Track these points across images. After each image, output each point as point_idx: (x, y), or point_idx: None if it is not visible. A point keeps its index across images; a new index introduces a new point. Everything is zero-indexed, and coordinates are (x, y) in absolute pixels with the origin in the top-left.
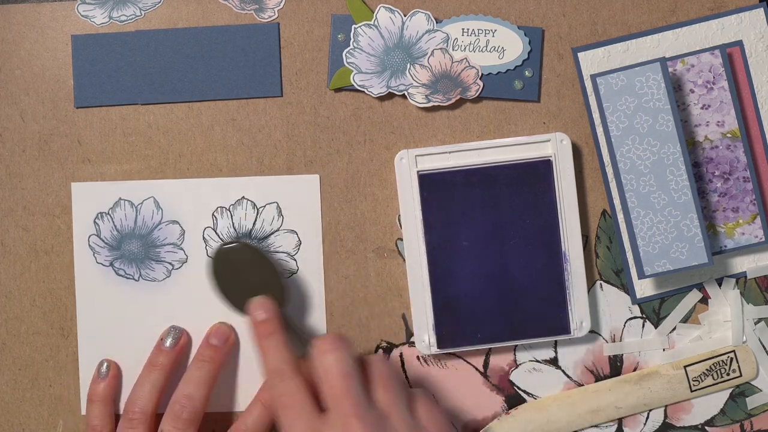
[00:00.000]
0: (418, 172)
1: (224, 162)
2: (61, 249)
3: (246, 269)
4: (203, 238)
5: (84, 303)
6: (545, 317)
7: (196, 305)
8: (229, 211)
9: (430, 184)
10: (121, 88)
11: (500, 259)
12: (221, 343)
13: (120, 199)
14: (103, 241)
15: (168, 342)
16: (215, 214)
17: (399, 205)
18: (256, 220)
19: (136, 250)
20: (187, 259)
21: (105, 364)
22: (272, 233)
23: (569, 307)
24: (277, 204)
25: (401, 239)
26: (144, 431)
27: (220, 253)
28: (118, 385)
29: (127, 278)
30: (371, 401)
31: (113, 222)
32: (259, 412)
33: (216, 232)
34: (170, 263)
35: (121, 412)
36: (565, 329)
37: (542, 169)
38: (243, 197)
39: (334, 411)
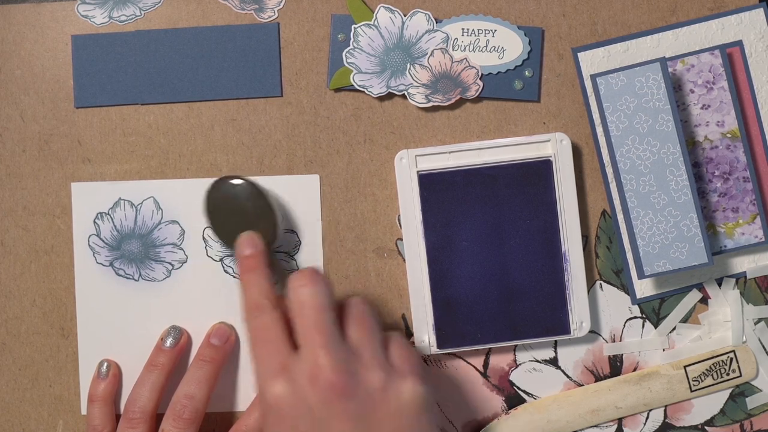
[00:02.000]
0: (418, 172)
1: (224, 162)
2: (61, 249)
3: (241, 204)
4: (203, 238)
5: (84, 303)
6: (545, 317)
7: (196, 305)
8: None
9: (430, 184)
10: (121, 88)
11: (500, 259)
12: (222, 342)
13: (120, 199)
14: (103, 241)
15: (168, 342)
16: None
17: (399, 205)
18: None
19: (136, 250)
20: (186, 259)
21: (105, 365)
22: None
23: (569, 308)
24: (279, 200)
25: (401, 239)
26: (144, 431)
27: (217, 187)
28: (118, 384)
29: (127, 278)
30: (344, 337)
31: (113, 222)
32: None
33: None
34: (170, 263)
35: (122, 411)
36: (565, 329)
37: (542, 169)
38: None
39: (304, 344)
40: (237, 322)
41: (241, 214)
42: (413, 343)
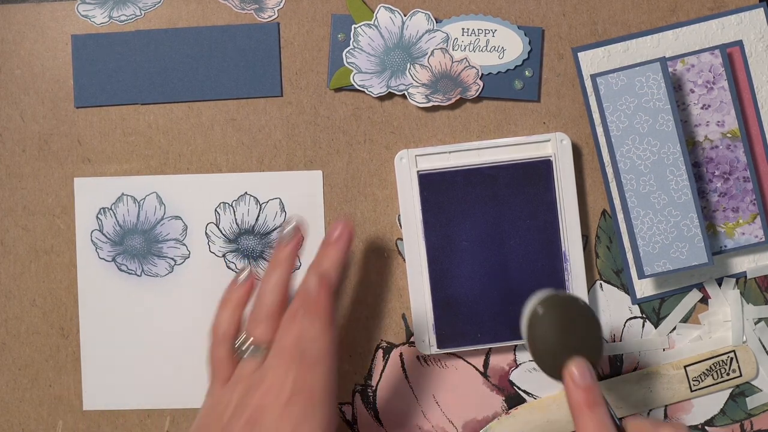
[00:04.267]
0: (418, 171)
1: (224, 162)
2: (61, 249)
3: (569, 324)
4: (206, 233)
5: (86, 298)
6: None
7: (199, 300)
8: (232, 207)
9: (430, 183)
10: (121, 88)
11: (500, 258)
12: (343, 234)
13: (123, 194)
14: (105, 236)
15: (287, 238)
16: (218, 209)
17: (399, 205)
18: (258, 215)
19: (139, 245)
20: (189, 254)
21: (245, 273)
22: (275, 229)
23: None
24: (280, 200)
25: (401, 239)
26: (270, 327)
27: (548, 305)
28: (252, 293)
29: (130, 273)
30: None
31: (116, 217)
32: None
33: (218, 228)
34: (172, 259)
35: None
36: None
37: (542, 168)
38: (246, 193)
39: None
40: None
41: (566, 335)
42: (413, 342)
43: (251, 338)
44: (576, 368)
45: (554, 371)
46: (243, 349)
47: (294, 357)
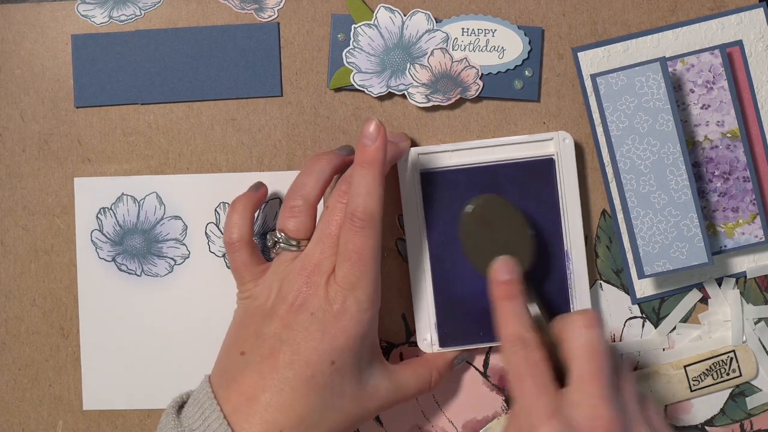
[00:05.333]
0: (420, 170)
1: (224, 162)
2: (61, 249)
3: (496, 225)
4: (206, 233)
5: (86, 298)
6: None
7: (198, 301)
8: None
9: (433, 182)
10: (121, 88)
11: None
12: (372, 141)
13: (123, 194)
14: (105, 236)
15: (339, 149)
16: (218, 209)
17: (402, 204)
18: (258, 215)
19: (139, 245)
20: (189, 254)
21: (258, 183)
22: (275, 229)
23: (571, 307)
24: (280, 200)
25: (401, 239)
26: (307, 220)
27: (478, 205)
28: (263, 201)
29: (130, 273)
30: (619, 391)
31: (116, 217)
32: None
33: (218, 228)
34: (172, 258)
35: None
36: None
37: (545, 168)
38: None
39: (581, 390)
40: None
41: (498, 236)
42: (413, 342)
43: (283, 233)
44: (499, 265)
45: (483, 268)
46: (278, 242)
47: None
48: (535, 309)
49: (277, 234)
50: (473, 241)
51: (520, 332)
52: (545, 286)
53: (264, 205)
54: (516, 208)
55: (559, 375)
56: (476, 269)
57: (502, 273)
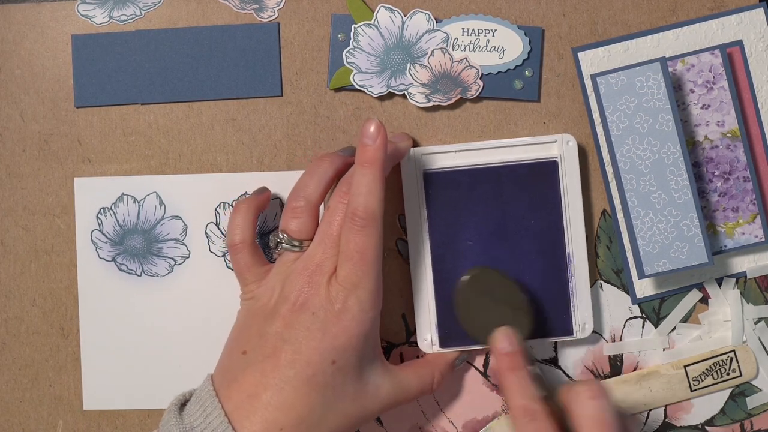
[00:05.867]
0: (423, 170)
1: (224, 162)
2: (62, 249)
3: (492, 296)
4: (206, 233)
5: (86, 298)
6: (548, 318)
7: (198, 301)
8: (232, 207)
9: (436, 182)
10: (121, 88)
11: (504, 258)
12: (373, 141)
13: (123, 194)
14: (105, 236)
15: (341, 151)
16: (218, 209)
17: (404, 203)
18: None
19: (139, 245)
20: (189, 254)
21: (262, 191)
22: (275, 228)
23: (572, 309)
24: (280, 200)
25: (401, 239)
26: (308, 222)
27: (469, 278)
28: (266, 205)
29: (130, 273)
30: None
31: (116, 217)
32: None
33: (219, 228)
34: (173, 258)
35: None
36: (567, 330)
37: (548, 170)
38: (246, 193)
39: None
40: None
41: (495, 307)
42: (413, 342)
43: (286, 234)
44: (500, 336)
45: (482, 338)
46: (281, 243)
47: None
48: (538, 373)
49: (280, 235)
50: (470, 313)
51: (528, 404)
52: (546, 288)
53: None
54: (510, 278)
55: None
56: (475, 340)
57: (505, 344)
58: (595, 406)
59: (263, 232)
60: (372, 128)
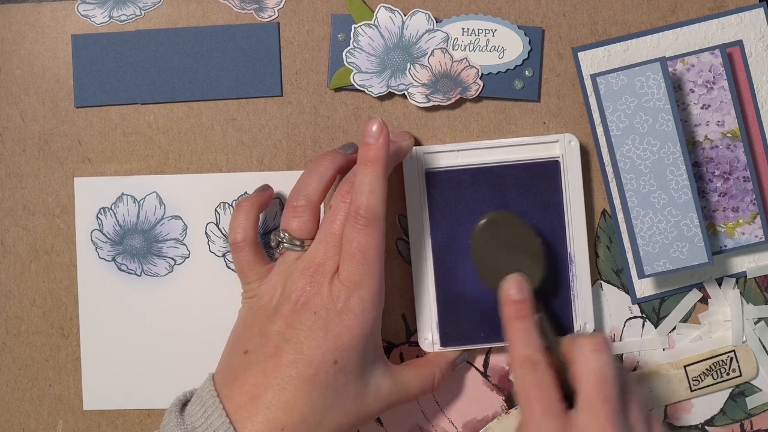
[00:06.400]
0: (425, 169)
1: (224, 161)
2: (62, 249)
3: (507, 241)
4: (206, 233)
5: (86, 298)
6: (549, 317)
7: (198, 301)
8: (232, 207)
9: (438, 182)
10: (121, 88)
11: None
12: (376, 139)
13: (123, 194)
14: (105, 236)
15: (343, 148)
16: (218, 209)
17: (405, 202)
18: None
19: (139, 245)
20: (189, 254)
21: (265, 185)
22: (275, 228)
23: (573, 308)
24: (280, 200)
25: (401, 239)
26: (309, 221)
27: (489, 220)
28: (269, 203)
29: (129, 273)
30: (626, 414)
31: (116, 217)
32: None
33: (219, 228)
34: (172, 258)
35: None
36: (568, 330)
37: (550, 170)
38: (246, 193)
39: (588, 414)
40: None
41: (509, 252)
42: (413, 342)
43: (287, 233)
44: (510, 283)
45: (495, 285)
46: (282, 242)
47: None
48: (544, 322)
49: (281, 234)
50: (484, 257)
51: (530, 354)
52: (547, 287)
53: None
54: (526, 223)
55: (567, 394)
56: (488, 286)
57: (514, 292)
58: (597, 359)
59: (264, 232)
60: (374, 127)
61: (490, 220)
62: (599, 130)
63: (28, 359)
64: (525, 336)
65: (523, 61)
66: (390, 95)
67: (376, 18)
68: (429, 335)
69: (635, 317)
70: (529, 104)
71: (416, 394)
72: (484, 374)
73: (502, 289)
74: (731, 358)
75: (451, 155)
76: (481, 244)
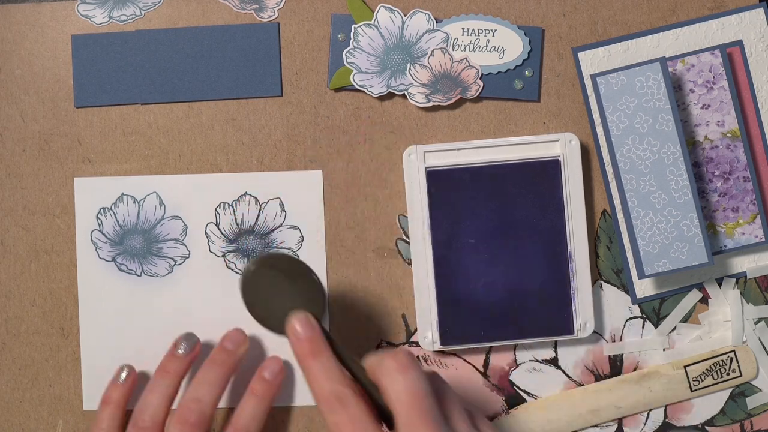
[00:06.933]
0: (426, 168)
1: (224, 161)
2: (61, 249)
3: (281, 282)
4: (206, 233)
5: (86, 298)
6: (549, 317)
7: (198, 301)
8: (232, 207)
9: (438, 180)
10: (121, 88)
11: (506, 257)
12: (235, 347)
13: (123, 194)
14: (105, 236)
15: (182, 348)
16: (218, 209)
17: (406, 201)
18: (258, 215)
19: (139, 245)
20: (189, 254)
21: (125, 372)
22: (275, 229)
23: (573, 308)
24: (280, 200)
25: (401, 239)
26: None
27: (253, 265)
28: (133, 391)
29: (129, 273)
30: (449, 422)
31: (116, 217)
32: (253, 405)
33: (218, 228)
34: (172, 259)
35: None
36: (568, 330)
37: (550, 169)
38: (246, 193)
39: None
40: (238, 318)
41: (286, 292)
42: (413, 342)
43: None
44: (296, 322)
45: (277, 328)
46: None
47: None
48: (343, 351)
49: None
50: (261, 303)
51: (335, 389)
52: (548, 287)
53: (264, 204)
54: (297, 258)
55: (386, 416)
56: (272, 330)
57: (300, 329)
58: (405, 379)
59: (263, 233)
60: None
61: (259, 265)
62: (599, 130)
63: (28, 359)
64: (325, 372)
65: (523, 61)
66: (390, 95)
67: (376, 18)
68: (429, 335)
69: (635, 317)
70: (529, 104)
71: None
72: (484, 374)
73: (288, 329)
74: (731, 359)
75: (451, 154)
76: (255, 292)
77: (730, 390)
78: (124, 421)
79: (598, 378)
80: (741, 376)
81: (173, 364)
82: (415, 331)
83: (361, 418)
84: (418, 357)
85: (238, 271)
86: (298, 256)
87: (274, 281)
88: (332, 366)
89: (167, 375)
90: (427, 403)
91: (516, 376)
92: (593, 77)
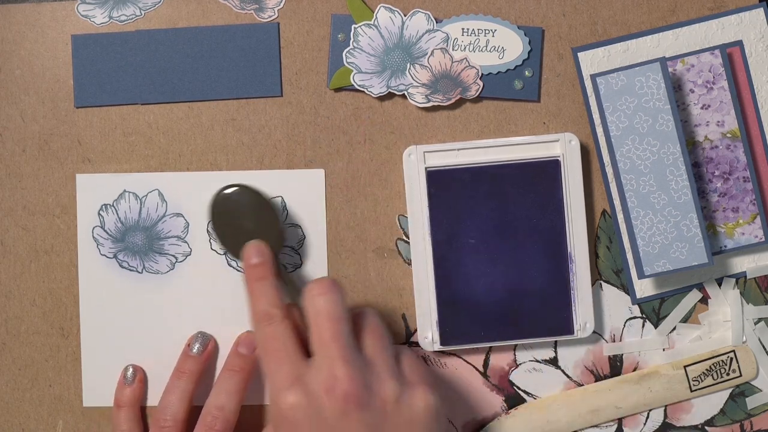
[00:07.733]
0: (426, 168)
1: (224, 162)
2: (62, 249)
3: (245, 213)
4: (207, 231)
5: (87, 295)
6: (549, 317)
7: (200, 298)
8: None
9: (438, 180)
10: (121, 88)
11: (506, 257)
12: (250, 351)
13: (125, 191)
14: (107, 233)
15: (195, 348)
16: None
17: (406, 201)
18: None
19: (140, 242)
20: (191, 251)
21: (131, 370)
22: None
23: (573, 308)
24: (282, 198)
25: (401, 239)
26: None
27: (220, 196)
28: (144, 388)
29: (131, 270)
30: (359, 347)
31: (117, 214)
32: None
33: None
34: (174, 256)
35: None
36: (568, 330)
37: (550, 169)
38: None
39: (320, 354)
40: (239, 317)
41: (246, 224)
42: (413, 342)
43: None
44: (250, 249)
45: (237, 253)
46: None
47: None
48: (292, 282)
49: None
50: (225, 228)
51: (267, 309)
52: (548, 287)
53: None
54: (264, 195)
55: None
56: (230, 255)
57: (254, 256)
58: (323, 301)
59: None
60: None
61: (229, 193)
62: (599, 130)
63: (28, 359)
64: (264, 294)
65: (523, 61)
66: (390, 95)
67: (376, 18)
68: (429, 335)
69: (635, 317)
70: (529, 104)
71: None
72: (484, 374)
73: (244, 254)
74: (731, 359)
75: (451, 154)
76: (221, 215)
77: (730, 390)
78: (142, 421)
79: (598, 378)
80: (741, 376)
81: (188, 363)
82: (415, 331)
83: (282, 334)
84: (418, 356)
85: (239, 269)
86: (297, 252)
87: (238, 212)
88: (272, 290)
89: (183, 375)
90: (339, 325)
91: (516, 377)
92: (593, 77)
